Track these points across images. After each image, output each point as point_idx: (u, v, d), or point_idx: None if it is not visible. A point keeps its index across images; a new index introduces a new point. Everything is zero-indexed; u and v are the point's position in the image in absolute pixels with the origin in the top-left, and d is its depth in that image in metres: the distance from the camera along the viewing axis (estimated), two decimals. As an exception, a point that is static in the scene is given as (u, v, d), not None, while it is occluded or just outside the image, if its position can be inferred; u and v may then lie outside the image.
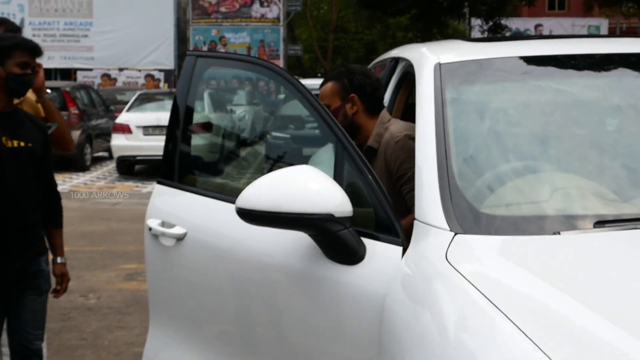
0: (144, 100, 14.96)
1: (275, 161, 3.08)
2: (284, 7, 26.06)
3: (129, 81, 25.24)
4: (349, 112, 2.90)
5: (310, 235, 2.13)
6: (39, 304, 3.42)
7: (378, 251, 2.08)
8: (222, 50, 25.85)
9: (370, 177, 2.16)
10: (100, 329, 5.40)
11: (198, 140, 3.16)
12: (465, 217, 1.96)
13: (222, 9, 25.84)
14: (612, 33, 32.88)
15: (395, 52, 3.27)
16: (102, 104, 16.62)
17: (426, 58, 2.61)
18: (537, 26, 33.36)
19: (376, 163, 2.81)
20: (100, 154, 16.12)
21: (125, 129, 13.44)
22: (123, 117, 13.89)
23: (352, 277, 2.09)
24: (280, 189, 2.03)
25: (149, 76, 25.38)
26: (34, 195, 3.33)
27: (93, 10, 25.06)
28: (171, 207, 2.83)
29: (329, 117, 2.29)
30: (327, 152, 2.57)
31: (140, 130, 13.31)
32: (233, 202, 2.60)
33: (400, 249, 2.04)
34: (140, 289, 6.39)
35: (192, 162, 3.07)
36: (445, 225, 1.95)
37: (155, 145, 13.38)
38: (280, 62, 25.97)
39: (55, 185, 3.54)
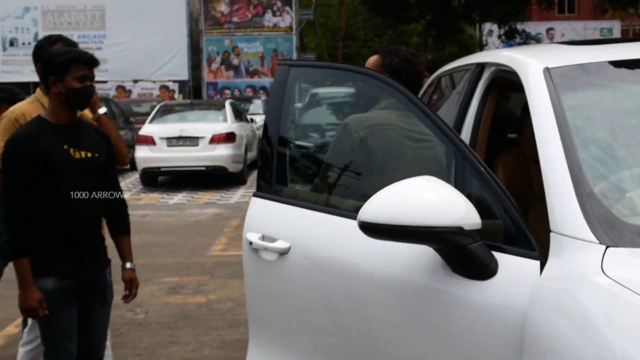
0: (166, 111, 14.94)
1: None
2: (296, 16, 26.04)
3: (143, 92, 25.24)
4: None
5: (435, 249, 2.06)
6: (104, 314, 3.46)
7: (512, 265, 2.00)
8: (236, 60, 25.86)
9: (496, 186, 2.08)
10: (154, 345, 5.33)
11: (295, 151, 3.08)
12: (612, 228, 1.88)
13: (235, 19, 25.83)
14: (625, 35, 32.80)
15: (478, 58, 3.19)
16: (122, 115, 16.60)
17: (530, 63, 2.54)
18: (548, 30, 33.31)
19: None
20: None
21: (149, 141, 13.41)
22: (146, 129, 13.86)
23: (483, 292, 2.01)
24: (405, 201, 1.95)
25: (164, 87, 25.39)
26: (99, 205, 3.36)
27: (106, 23, 25.10)
28: (271, 220, 2.76)
29: (444, 124, 2.22)
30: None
31: (164, 141, 13.28)
32: (341, 215, 2.55)
33: (537, 262, 1.96)
34: (187, 303, 6.33)
35: (290, 174, 2.99)
36: (592, 237, 1.86)
37: (179, 156, 13.39)
38: (294, 71, 25.92)
39: (121, 192, 3.56)
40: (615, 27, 33.73)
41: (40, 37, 23.79)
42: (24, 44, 24.34)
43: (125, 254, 3.54)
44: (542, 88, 2.35)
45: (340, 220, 2.50)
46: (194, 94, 25.42)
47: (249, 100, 21.48)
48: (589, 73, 2.47)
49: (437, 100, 3.71)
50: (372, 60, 3.10)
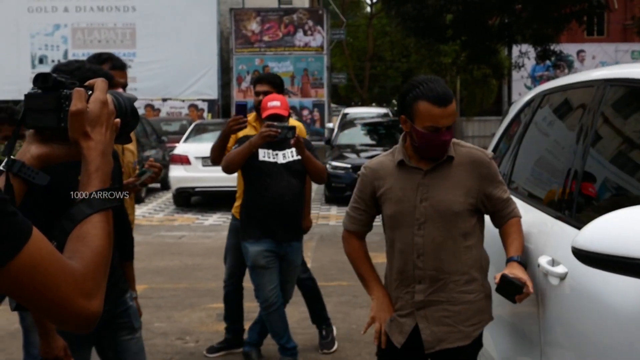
0: (200, 130, 14.72)
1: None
2: (327, 36, 25.86)
3: (172, 111, 25.11)
4: None
5: None
6: (136, 343, 3.21)
7: None
8: (266, 79, 25.65)
9: None
10: (209, 376, 5.02)
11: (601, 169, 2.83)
12: None
13: (265, 38, 25.69)
14: (656, 58, 32.35)
15: (601, 74, 2.88)
16: (154, 133, 16.40)
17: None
18: (579, 52, 32.94)
19: (451, 173, 2.84)
20: (152, 184, 15.89)
21: (184, 160, 13.17)
22: (181, 148, 13.63)
23: None
24: (623, 229, 1.76)
25: (193, 106, 25.26)
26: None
27: (136, 41, 25.06)
28: (560, 244, 2.58)
29: None
30: None
31: (199, 161, 13.01)
32: None
33: None
34: (239, 331, 6.01)
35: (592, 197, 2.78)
36: None
37: (215, 176, 12.96)
38: (325, 91, 25.72)
39: (126, 215, 3.36)
40: (647, 49, 33.33)
41: (70, 54, 24.02)
42: (53, 61, 24.26)
43: (129, 282, 3.33)
44: None
45: None
46: (223, 113, 25.24)
47: (279, 119, 21.24)
48: None
49: (547, 119, 3.41)
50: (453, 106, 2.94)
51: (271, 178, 4.58)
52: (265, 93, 4.88)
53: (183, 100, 25.42)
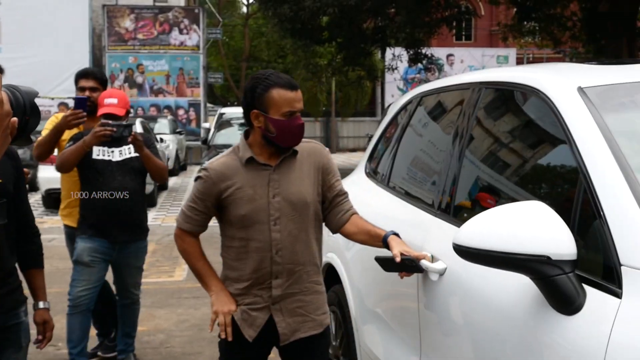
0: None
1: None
2: (203, 35, 25.63)
3: (41, 110, 24.14)
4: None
5: (531, 279, 1.90)
6: None
7: (596, 301, 1.80)
8: (140, 78, 25.18)
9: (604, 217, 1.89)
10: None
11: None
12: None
13: (140, 36, 25.18)
14: (519, 62, 34.02)
15: (475, 77, 3.00)
16: (22, 133, 15.72)
17: (560, 82, 2.37)
18: (448, 56, 34.18)
19: (297, 166, 2.90)
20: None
21: (53, 160, 12.65)
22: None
23: (566, 329, 1.83)
24: (498, 225, 1.87)
25: (63, 104, 24.34)
26: (10, 236, 2.92)
27: (1, 37, 23.96)
28: (440, 241, 2.67)
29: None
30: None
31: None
32: None
33: (617, 300, 1.75)
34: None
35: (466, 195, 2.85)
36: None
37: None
38: (201, 90, 25.49)
39: (32, 220, 3.15)
40: (511, 54, 35.02)
41: None
42: None
43: (38, 292, 3.14)
44: (580, 109, 2.18)
45: None
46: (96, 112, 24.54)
47: (153, 119, 20.86)
48: (626, 93, 2.33)
49: (423, 120, 3.52)
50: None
51: (104, 176, 4.45)
52: (92, 89, 4.75)
53: (52, 98, 24.50)
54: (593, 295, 1.82)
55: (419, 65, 21.63)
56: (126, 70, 24.69)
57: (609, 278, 1.81)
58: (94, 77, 4.84)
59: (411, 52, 20.34)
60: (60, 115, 4.70)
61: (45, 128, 4.79)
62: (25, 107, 1.33)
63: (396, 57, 20.60)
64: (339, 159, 25.25)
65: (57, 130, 4.59)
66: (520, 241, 1.81)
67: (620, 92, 2.31)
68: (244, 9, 42.43)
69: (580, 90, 2.25)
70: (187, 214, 2.98)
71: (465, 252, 1.93)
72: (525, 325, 1.99)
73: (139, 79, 25.15)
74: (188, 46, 25.37)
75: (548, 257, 1.78)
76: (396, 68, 20.95)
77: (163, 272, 8.35)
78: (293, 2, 16.03)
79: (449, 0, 17.66)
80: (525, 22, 19.85)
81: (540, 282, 1.86)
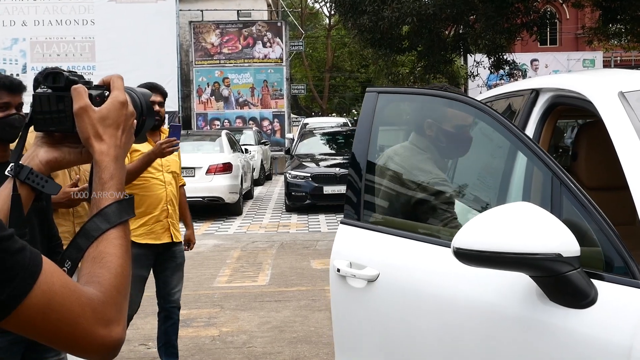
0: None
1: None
2: (286, 47, 26.12)
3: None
4: None
5: (531, 276, 1.99)
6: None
7: (613, 294, 1.93)
8: (226, 91, 25.84)
9: (596, 213, 2.01)
10: (174, 380, 5.19)
11: (383, 178, 3.08)
12: None
13: (225, 50, 25.85)
14: (606, 66, 33.21)
15: (532, 83, 3.15)
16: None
17: (603, 87, 2.50)
18: (532, 61, 33.66)
19: None
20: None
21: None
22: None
23: (582, 322, 1.93)
24: (501, 227, 1.90)
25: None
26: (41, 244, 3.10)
27: (95, 54, 25.00)
28: (360, 247, 2.75)
29: (540, 150, 2.16)
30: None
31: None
32: (432, 242, 2.51)
33: (639, 291, 1.89)
34: (200, 336, 6.19)
35: (377, 201, 2.98)
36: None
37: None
38: (284, 102, 25.96)
39: (57, 231, 3.30)
40: (598, 58, 34.19)
41: (29, 68, 23.88)
42: (11, 74, 24.12)
43: None
44: (621, 112, 2.31)
45: (431, 248, 2.47)
46: (183, 125, 25.31)
47: (239, 130, 21.41)
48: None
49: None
50: None
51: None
52: (160, 103, 4.72)
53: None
54: (608, 288, 1.92)
55: (501, 71, 21.45)
56: (212, 84, 25.41)
57: (623, 272, 1.92)
58: (161, 92, 4.77)
59: (492, 59, 20.21)
60: None
61: None
62: (142, 108, 1.36)
63: (477, 63, 20.51)
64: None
65: (149, 160, 4.37)
66: (530, 241, 1.85)
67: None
68: (326, 21, 42.86)
69: (621, 94, 2.38)
70: None
71: (468, 255, 1.94)
72: (522, 323, 2.07)
73: (225, 92, 25.81)
74: (272, 59, 25.90)
75: (559, 254, 1.84)
76: (477, 75, 20.85)
77: (247, 277, 8.67)
78: (372, 13, 16.22)
79: (528, 5, 17.49)
80: (610, 25, 19.46)
81: (548, 279, 1.92)
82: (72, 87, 1.24)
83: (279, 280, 8.35)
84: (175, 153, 4.65)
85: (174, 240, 4.79)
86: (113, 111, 1.24)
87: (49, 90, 1.27)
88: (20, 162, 1.25)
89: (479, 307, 2.22)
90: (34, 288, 1.01)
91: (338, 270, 2.73)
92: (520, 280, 2.05)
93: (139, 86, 4.33)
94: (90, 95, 1.25)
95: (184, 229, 5.11)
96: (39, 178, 1.25)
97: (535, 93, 3.08)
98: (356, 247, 2.77)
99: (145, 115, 1.37)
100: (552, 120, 3.06)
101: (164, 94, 4.83)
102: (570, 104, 2.77)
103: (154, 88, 4.69)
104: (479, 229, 1.93)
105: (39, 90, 1.28)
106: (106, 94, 1.27)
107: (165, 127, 4.90)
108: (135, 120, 1.30)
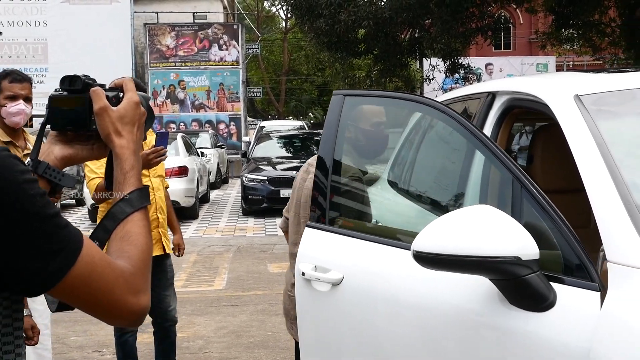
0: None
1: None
2: (242, 50, 26.02)
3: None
4: None
5: (491, 279, 1.98)
6: None
7: (571, 297, 1.93)
8: (182, 93, 25.64)
9: (556, 216, 2.01)
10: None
11: (348, 181, 3.06)
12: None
13: (180, 53, 25.67)
14: (559, 70, 33.79)
15: (487, 86, 3.16)
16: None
17: (559, 90, 2.51)
18: (487, 65, 34.09)
19: None
20: (65, 200, 15.70)
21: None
22: (96, 163, 13.52)
23: (542, 325, 1.93)
24: (460, 230, 1.89)
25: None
26: None
27: (48, 56, 24.60)
28: (324, 251, 2.74)
29: (501, 152, 2.16)
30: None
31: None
32: (394, 245, 2.50)
33: (597, 294, 1.89)
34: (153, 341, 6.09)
35: (342, 204, 2.97)
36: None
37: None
38: (241, 105, 25.86)
39: None
40: (551, 62, 34.76)
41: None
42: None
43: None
44: (577, 115, 2.32)
45: (393, 251, 2.46)
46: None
47: (195, 134, 21.25)
48: (623, 100, 2.46)
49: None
50: None
51: None
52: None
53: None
54: (567, 291, 1.92)
55: (457, 75, 21.67)
56: (168, 87, 25.19)
57: (581, 275, 1.92)
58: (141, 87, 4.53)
59: (448, 63, 20.40)
60: None
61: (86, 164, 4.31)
62: (146, 109, 1.52)
63: (433, 67, 20.67)
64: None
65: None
66: (490, 244, 1.83)
67: (615, 99, 2.45)
68: (283, 24, 42.85)
69: (577, 97, 2.39)
70: None
71: (427, 258, 1.92)
72: (482, 326, 2.07)
73: (181, 95, 25.62)
74: (228, 61, 25.78)
75: (518, 258, 1.84)
76: (433, 78, 21.01)
77: (203, 281, 8.58)
78: (329, 16, 16.23)
79: (483, 10, 17.69)
80: (563, 30, 19.76)
81: (507, 282, 1.92)
82: (91, 89, 1.39)
83: (235, 284, 8.29)
84: None
85: (166, 251, 4.58)
86: (129, 110, 1.41)
87: (65, 93, 1.40)
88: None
89: (441, 310, 2.22)
90: (79, 259, 1.16)
91: (303, 273, 2.73)
92: (481, 284, 2.05)
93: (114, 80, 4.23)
94: (107, 97, 1.40)
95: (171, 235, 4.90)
96: (55, 172, 1.38)
97: (492, 96, 3.08)
98: (321, 250, 2.76)
99: (147, 117, 1.50)
100: (508, 124, 3.07)
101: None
102: (526, 106, 2.78)
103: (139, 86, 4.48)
104: (439, 232, 1.92)
105: (54, 92, 1.41)
106: (120, 95, 1.43)
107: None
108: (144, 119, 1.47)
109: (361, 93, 3.79)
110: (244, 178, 14.61)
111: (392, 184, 3.40)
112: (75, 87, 1.40)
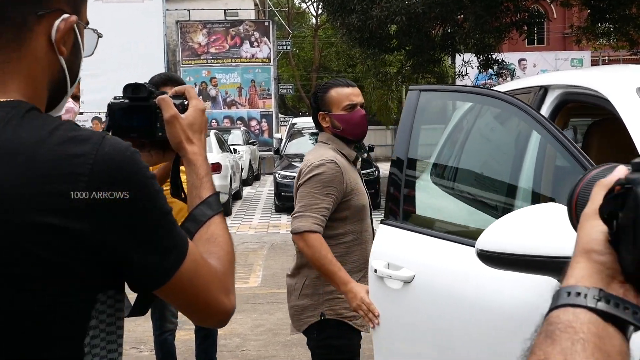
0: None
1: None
2: (274, 47, 26.01)
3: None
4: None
5: (559, 280, 1.90)
6: None
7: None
8: (214, 90, 25.71)
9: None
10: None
11: (424, 178, 3.03)
12: None
13: (212, 50, 25.70)
14: (594, 65, 33.34)
15: (539, 80, 3.06)
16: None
17: (618, 83, 2.42)
18: (520, 60, 33.69)
19: None
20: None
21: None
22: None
23: None
24: (526, 228, 1.83)
25: (96, 119, 25.02)
26: None
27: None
28: (397, 248, 2.73)
29: (575, 149, 2.09)
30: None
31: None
32: (467, 243, 2.45)
33: None
34: (193, 339, 6.07)
35: (418, 201, 2.95)
36: None
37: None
38: (272, 101, 25.85)
39: None
40: (586, 57, 34.27)
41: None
42: None
43: None
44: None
45: (464, 249, 2.41)
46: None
47: (227, 130, 21.28)
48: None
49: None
50: None
51: None
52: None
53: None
54: None
55: (490, 70, 21.46)
56: (200, 84, 25.24)
57: None
58: (180, 83, 3.66)
59: (481, 58, 20.20)
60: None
61: None
62: None
63: (466, 63, 20.48)
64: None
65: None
66: (557, 243, 1.74)
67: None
68: (313, 20, 42.80)
69: (639, 91, 2.30)
70: (320, 217, 3.02)
71: (491, 258, 1.87)
72: None
73: (212, 92, 25.67)
74: (259, 58, 25.77)
75: None
76: (466, 74, 20.82)
77: (238, 278, 8.56)
78: (361, 12, 16.15)
79: (518, 4, 17.47)
80: (599, 24, 19.48)
81: None
82: (159, 97, 1.41)
83: (270, 281, 8.25)
84: None
85: None
86: (197, 118, 1.43)
87: (126, 101, 1.41)
88: None
89: (513, 311, 2.16)
90: (187, 256, 1.18)
91: (375, 270, 2.72)
92: (550, 284, 1.97)
93: (152, 77, 4.07)
94: (174, 104, 1.42)
95: None
96: None
97: (544, 90, 2.99)
98: (393, 247, 2.77)
99: None
100: (562, 118, 2.98)
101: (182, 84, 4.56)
102: (582, 100, 2.68)
103: (170, 80, 3.87)
104: (504, 230, 1.87)
105: (114, 99, 1.43)
106: (185, 103, 1.44)
107: None
108: None
109: (437, 88, 3.83)
110: (276, 175, 14.58)
111: (464, 180, 3.35)
112: (141, 95, 1.41)
